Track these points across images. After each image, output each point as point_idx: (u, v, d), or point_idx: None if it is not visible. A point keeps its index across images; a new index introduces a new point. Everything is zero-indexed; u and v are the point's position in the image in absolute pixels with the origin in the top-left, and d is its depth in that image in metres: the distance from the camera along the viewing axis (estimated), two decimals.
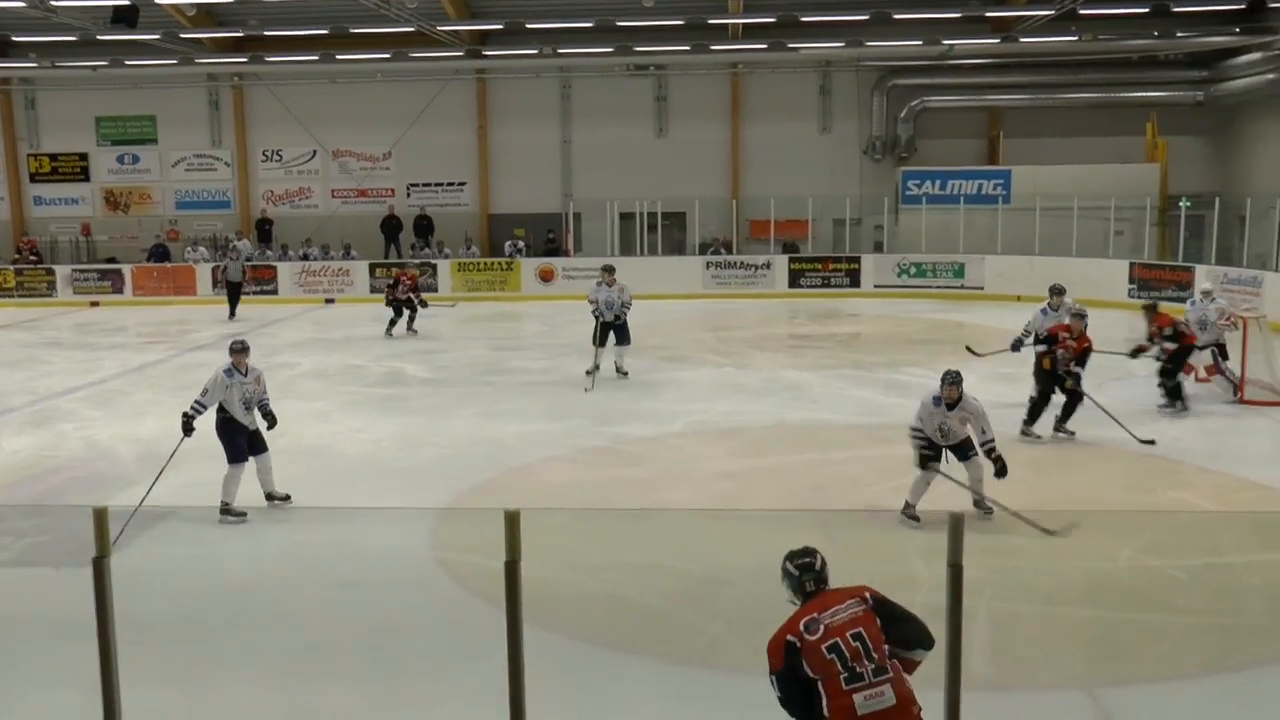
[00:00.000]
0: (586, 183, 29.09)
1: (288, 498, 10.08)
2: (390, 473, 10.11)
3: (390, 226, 29.19)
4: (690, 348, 19.34)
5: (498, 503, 3.15)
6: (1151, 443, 12.01)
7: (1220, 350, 14.57)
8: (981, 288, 25.40)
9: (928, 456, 9.60)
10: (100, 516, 4.28)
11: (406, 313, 21.20)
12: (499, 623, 4.31)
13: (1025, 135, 28.30)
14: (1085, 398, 12.45)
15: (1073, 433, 12.51)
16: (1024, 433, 12.48)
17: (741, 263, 26.85)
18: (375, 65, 27.97)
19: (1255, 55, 25.39)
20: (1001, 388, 14.29)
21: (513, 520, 3.05)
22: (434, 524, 9.61)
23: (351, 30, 24.92)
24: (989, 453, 9.50)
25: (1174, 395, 13.74)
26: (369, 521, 9.72)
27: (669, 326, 21.46)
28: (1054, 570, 8.66)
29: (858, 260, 26.87)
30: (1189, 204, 24.22)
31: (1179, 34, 25.83)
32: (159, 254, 28.96)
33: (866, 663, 4.48)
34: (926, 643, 4.61)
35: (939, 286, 26.02)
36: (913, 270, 26.33)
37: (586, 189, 28.88)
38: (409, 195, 29.90)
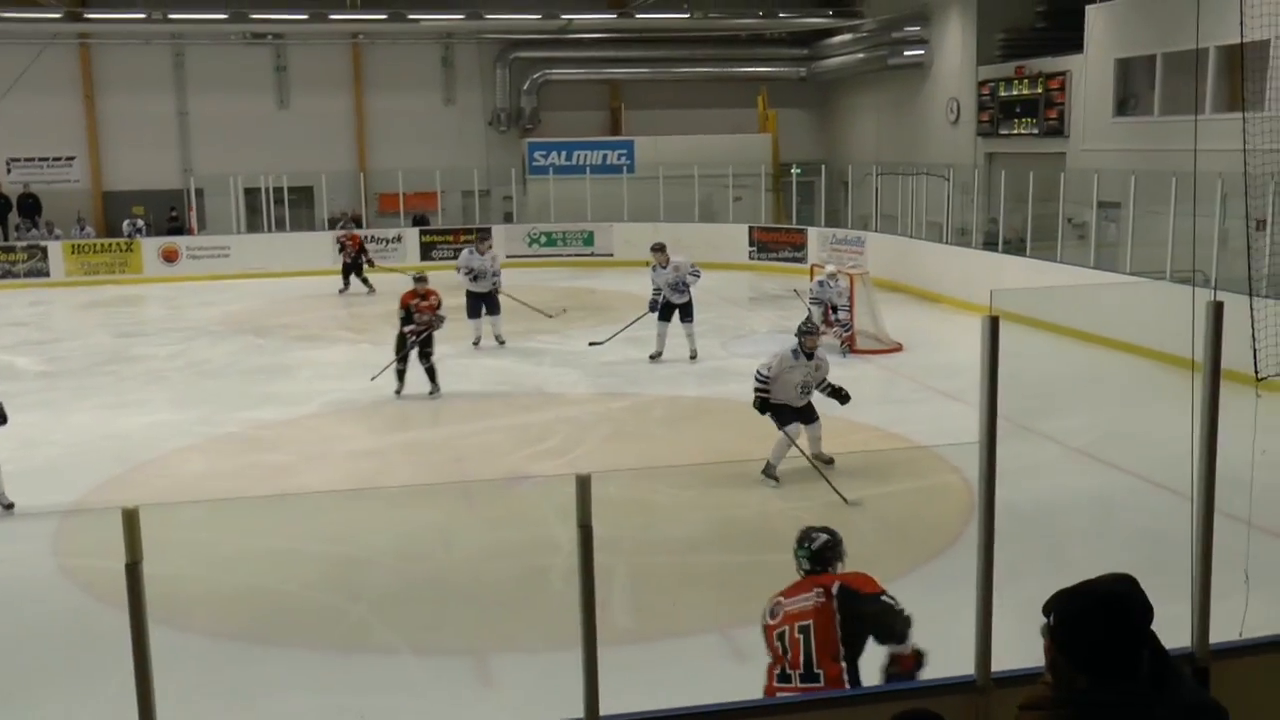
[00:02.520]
0: (207, 157, 27.82)
1: (10, 506, 9.42)
2: (4, 476, 9.48)
3: None
4: (322, 325, 19.06)
5: (125, 500, 3.11)
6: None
7: (831, 308, 15.75)
8: (611, 254, 26.14)
9: (765, 399, 9.83)
10: None
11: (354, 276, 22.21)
12: (128, 628, 4.24)
13: (646, 107, 29.35)
14: None
15: None
16: None
17: (372, 236, 26.47)
18: None
19: (847, 36, 27.59)
20: (635, 351, 15.00)
21: (131, 518, 2.99)
22: (56, 529, 9.14)
23: None
24: (833, 390, 9.96)
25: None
26: None
27: (299, 305, 21.03)
28: (687, 521, 9.18)
29: (488, 231, 27.05)
30: (799, 171, 25.95)
31: (780, 14, 27.88)
32: None
33: (800, 664, 4.40)
34: (895, 638, 4.42)
35: (570, 254, 26.61)
36: (543, 239, 26.81)
37: (208, 163, 27.61)
38: (9, 171, 27.57)
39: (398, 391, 13.30)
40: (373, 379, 13.42)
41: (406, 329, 13.41)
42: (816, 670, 4.39)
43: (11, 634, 7.25)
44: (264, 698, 6.41)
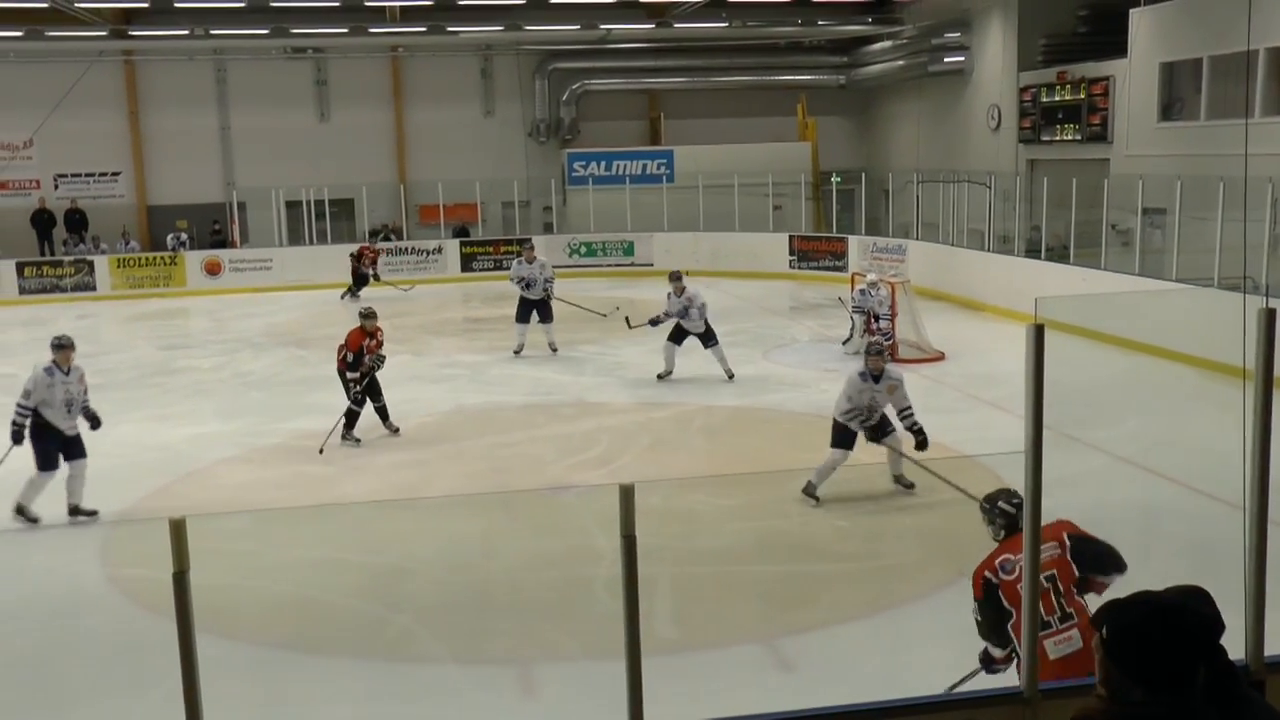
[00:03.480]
0: (249, 171, 28.08)
1: (95, 513, 9.52)
2: (52, 487, 9.58)
3: (42, 221, 27.15)
4: None
5: (172, 510, 3.13)
6: None
7: (873, 317, 15.69)
8: (651, 264, 26.14)
9: (867, 429, 9.49)
10: None
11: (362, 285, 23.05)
12: (175, 637, 4.26)
13: (685, 116, 29.43)
14: None
15: None
16: None
17: (413, 248, 26.68)
18: (6, 44, 25.81)
19: (887, 44, 27.56)
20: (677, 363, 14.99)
21: (178, 528, 3.02)
22: (103, 539, 9.23)
23: None
24: (910, 425, 9.49)
25: None
26: (31, 542, 9.24)
27: (341, 316, 21.13)
28: (729, 531, 9.14)
29: (529, 240, 27.14)
30: (839, 179, 25.86)
31: (819, 22, 27.87)
32: None
33: (1055, 609, 4.72)
34: (1121, 567, 4.83)
35: (610, 264, 26.64)
36: (583, 250, 26.86)
37: (250, 177, 27.86)
38: (57, 187, 27.91)
39: (356, 440, 11.94)
40: (320, 450, 11.52)
41: (351, 375, 11.99)
42: (1069, 610, 4.74)
43: (60, 643, 7.34)
44: (308, 706, 6.45)
